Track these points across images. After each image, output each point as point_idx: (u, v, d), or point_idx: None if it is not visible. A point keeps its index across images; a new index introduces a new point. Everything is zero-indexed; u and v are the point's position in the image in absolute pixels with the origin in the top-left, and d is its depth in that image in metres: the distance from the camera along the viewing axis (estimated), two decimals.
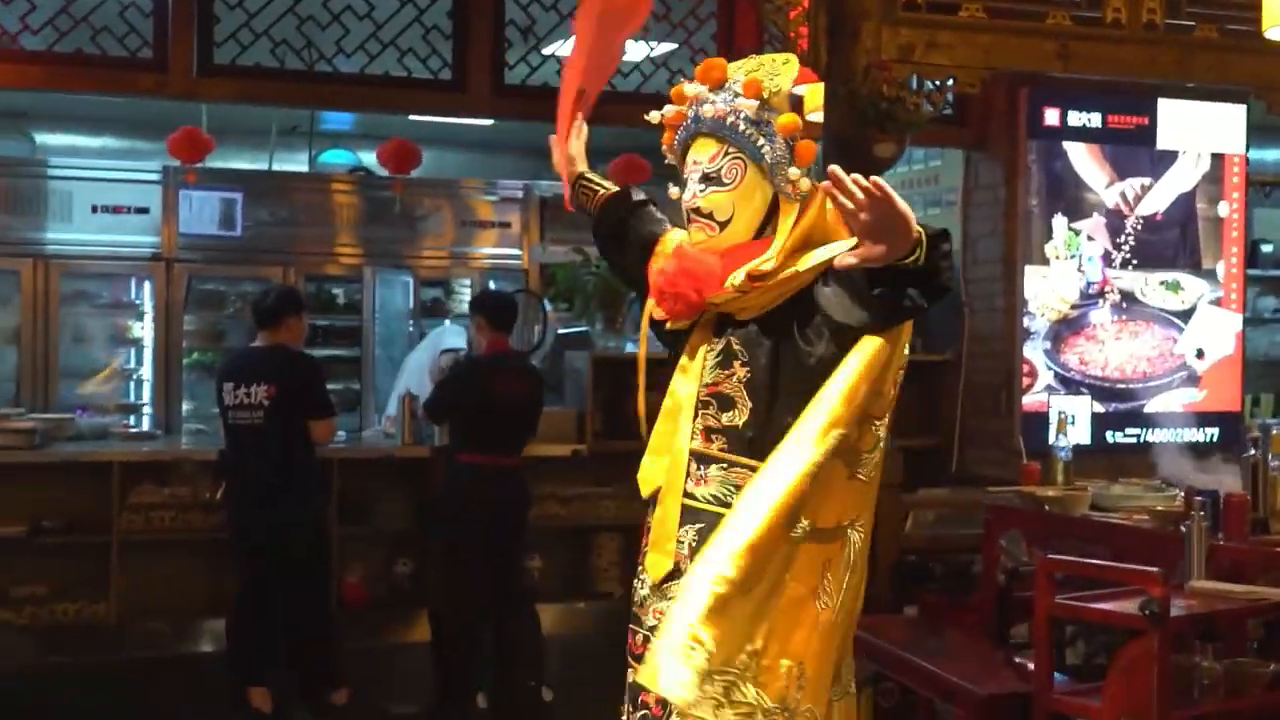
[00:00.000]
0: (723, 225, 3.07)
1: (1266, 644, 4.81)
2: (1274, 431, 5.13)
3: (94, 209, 9.43)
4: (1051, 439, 6.40)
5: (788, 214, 3.06)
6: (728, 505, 2.96)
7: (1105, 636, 6.42)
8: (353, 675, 6.85)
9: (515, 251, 10.08)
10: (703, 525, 3.01)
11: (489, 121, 10.16)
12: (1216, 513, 4.86)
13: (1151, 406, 8.13)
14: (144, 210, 9.44)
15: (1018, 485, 6.05)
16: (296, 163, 11.29)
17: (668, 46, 7.91)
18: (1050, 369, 7.94)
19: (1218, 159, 8.23)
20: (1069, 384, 7.97)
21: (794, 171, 3.04)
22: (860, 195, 2.57)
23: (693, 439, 3.07)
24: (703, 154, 3.09)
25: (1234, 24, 7.03)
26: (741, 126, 3.05)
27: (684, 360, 3.13)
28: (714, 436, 3.06)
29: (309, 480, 6.71)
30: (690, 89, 3.14)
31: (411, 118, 9.69)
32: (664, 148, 3.23)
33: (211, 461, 7.14)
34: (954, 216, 8.38)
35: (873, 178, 2.56)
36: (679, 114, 3.16)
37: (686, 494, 3.05)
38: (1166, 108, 8.07)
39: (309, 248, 9.75)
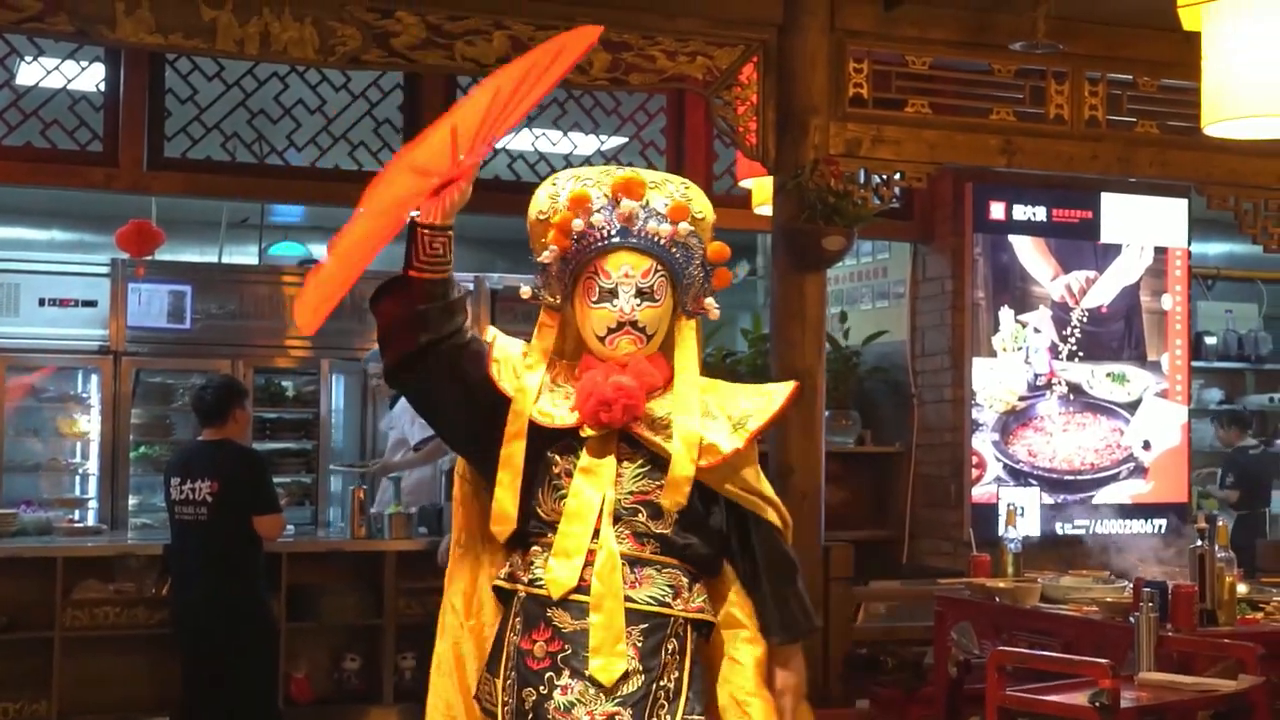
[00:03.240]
0: (649, 338, 3.17)
1: None
2: (1220, 523, 5.17)
3: (41, 302, 9.36)
4: (1001, 530, 6.43)
5: (686, 330, 3.22)
6: (668, 605, 3.10)
7: None
8: None
9: None
10: (646, 625, 3.08)
11: None
12: (1165, 604, 4.88)
13: (1099, 498, 8.18)
14: (92, 303, 9.38)
15: (968, 576, 6.06)
16: (246, 255, 11.26)
17: (618, 140, 7.99)
18: (999, 460, 7.99)
19: (1160, 252, 8.35)
20: (1018, 475, 8.01)
21: (710, 302, 3.23)
22: None
23: (620, 543, 3.10)
24: (635, 268, 3.14)
25: (1174, 120, 7.16)
26: (673, 249, 3.16)
27: (588, 462, 3.12)
28: (646, 541, 3.13)
29: (254, 575, 6.64)
30: (626, 204, 3.15)
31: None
32: (548, 246, 3.14)
33: (157, 556, 7.09)
34: (902, 308, 8.46)
35: None
36: (569, 219, 3.12)
37: (626, 598, 3.08)
38: (1110, 202, 8.20)
39: (259, 340, 9.70)
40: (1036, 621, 5.44)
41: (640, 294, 3.13)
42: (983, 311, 8.00)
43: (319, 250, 11.02)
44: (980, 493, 7.92)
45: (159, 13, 5.86)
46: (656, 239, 3.15)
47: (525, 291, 3.23)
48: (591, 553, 3.09)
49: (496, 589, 3.24)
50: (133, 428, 9.37)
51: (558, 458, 3.16)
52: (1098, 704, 3.98)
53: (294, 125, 7.39)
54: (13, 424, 9.33)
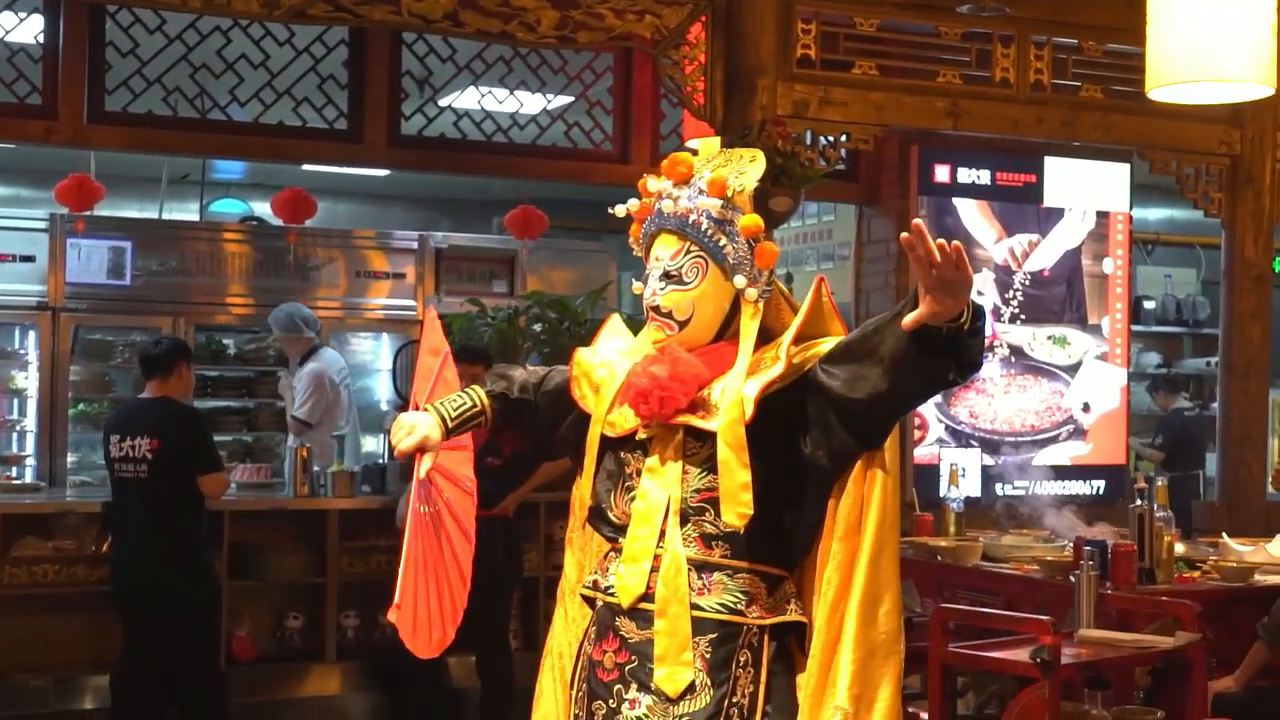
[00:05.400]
0: (681, 325, 2.98)
1: (1153, 691, 4.89)
2: (1159, 483, 5.24)
3: None
4: (943, 491, 6.48)
5: (748, 316, 2.98)
6: (740, 613, 2.92)
7: (996, 686, 6.49)
8: None
9: (410, 303, 10.01)
10: (715, 635, 2.91)
11: (382, 172, 10.15)
12: (1105, 562, 4.94)
13: (1039, 459, 8.24)
14: (30, 258, 9.25)
15: (911, 536, 6.11)
16: (187, 211, 11.16)
17: (564, 99, 7.95)
18: (941, 421, 8.04)
19: (1103, 216, 8.41)
20: (959, 437, 8.07)
21: (751, 293, 2.97)
22: (937, 255, 2.60)
23: (687, 546, 2.94)
24: (665, 250, 3.00)
25: (1119, 85, 7.22)
26: (704, 225, 2.97)
27: (654, 461, 2.99)
28: (714, 544, 2.94)
29: (195, 533, 6.62)
30: (654, 184, 3.05)
31: (304, 167, 9.64)
32: (630, 240, 3.13)
33: (97, 514, 7.02)
34: (847, 271, 8.48)
35: (954, 241, 2.62)
36: (644, 207, 3.07)
37: (693, 605, 2.91)
38: (1053, 166, 8.24)
39: (199, 297, 9.62)
40: (978, 580, 5.49)
41: (667, 277, 2.98)
42: None
43: (260, 207, 10.96)
44: (922, 454, 7.97)
45: None
46: (684, 217, 2.99)
47: (637, 288, 3.11)
48: (658, 558, 2.93)
49: (584, 596, 3.14)
50: (71, 385, 9.29)
51: (629, 457, 3.03)
52: (1039, 660, 4.03)
53: (237, 80, 7.30)
54: None
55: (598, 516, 3.08)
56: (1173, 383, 11.41)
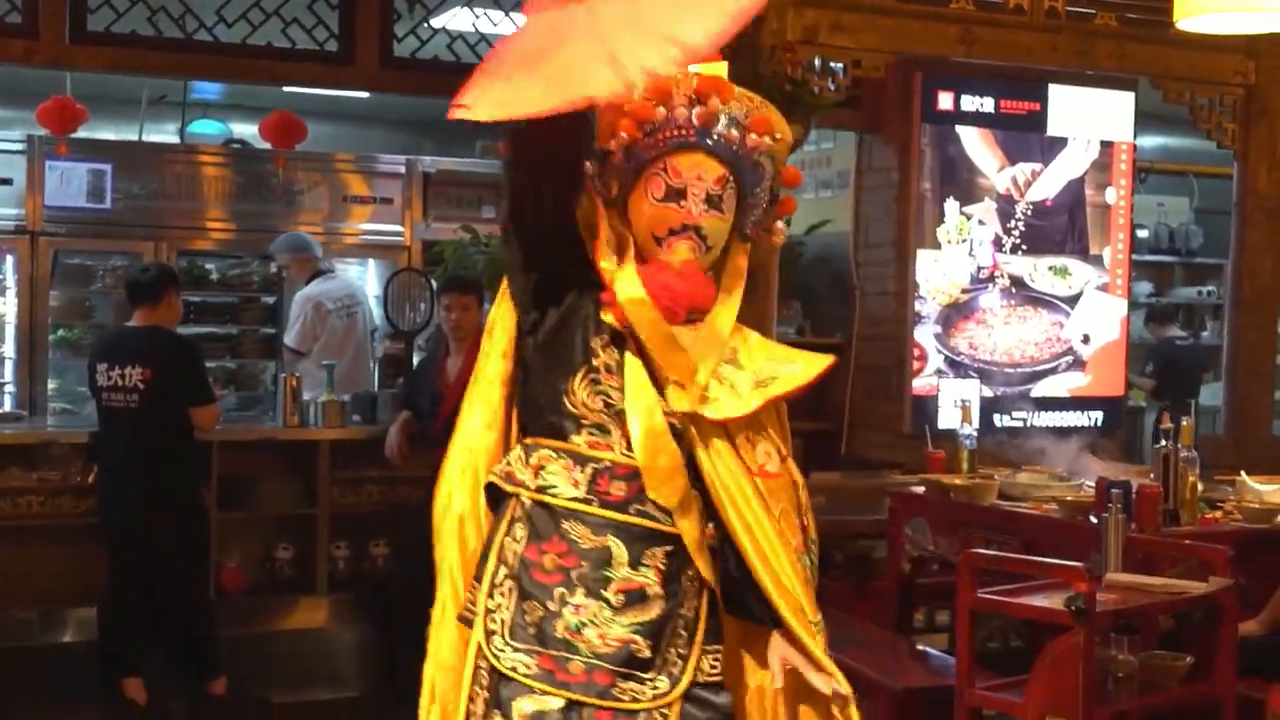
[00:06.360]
0: (708, 249, 2.90)
1: (1175, 635, 4.82)
2: (1184, 422, 5.14)
3: None
4: (955, 426, 6.38)
5: (739, 255, 2.96)
6: None
7: (997, 621, 6.44)
8: (232, 664, 6.65)
9: (397, 228, 9.80)
10: (671, 548, 2.85)
11: (366, 94, 9.92)
12: (1129, 504, 4.84)
13: (1038, 391, 8.17)
14: (7, 181, 9.02)
15: (910, 468, 6.03)
16: (166, 133, 10.92)
17: None
18: (940, 353, 7.94)
19: (1106, 146, 8.27)
20: (958, 368, 7.97)
21: (780, 224, 2.99)
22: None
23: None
24: (709, 173, 2.88)
25: (1132, 13, 7.06)
26: (747, 162, 2.90)
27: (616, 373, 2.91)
28: None
29: (185, 464, 6.53)
30: (713, 103, 2.88)
31: (286, 89, 9.42)
32: (622, 135, 2.90)
33: (82, 444, 6.87)
34: (846, 199, 8.34)
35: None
36: (648, 108, 2.88)
37: (649, 515, 2.87)
38: (1057, 94, 8.09)
39: (181, 221, 9.41)
40: (995, 519, 5.40)
41: (709, 200, 2.87)
42: (928, 203, 7.89)
43: (240, 129, 10.74)
44: (920, 385, 7.88)
45: None
46: (734, 147, 2.89)
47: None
48: (621, 465, 2.86)
49: (490, 487, 2.98)
50: (51, 310, 9.11)
51: (599, 349, 2.90)
52: (1074, 608, 3.93)
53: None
54: None
55: (551, 405, 2.90)
56: (1165, 312, 11.35)
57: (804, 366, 2.96)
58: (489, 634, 2.88)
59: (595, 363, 2.88)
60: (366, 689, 6.58)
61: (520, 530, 2.91)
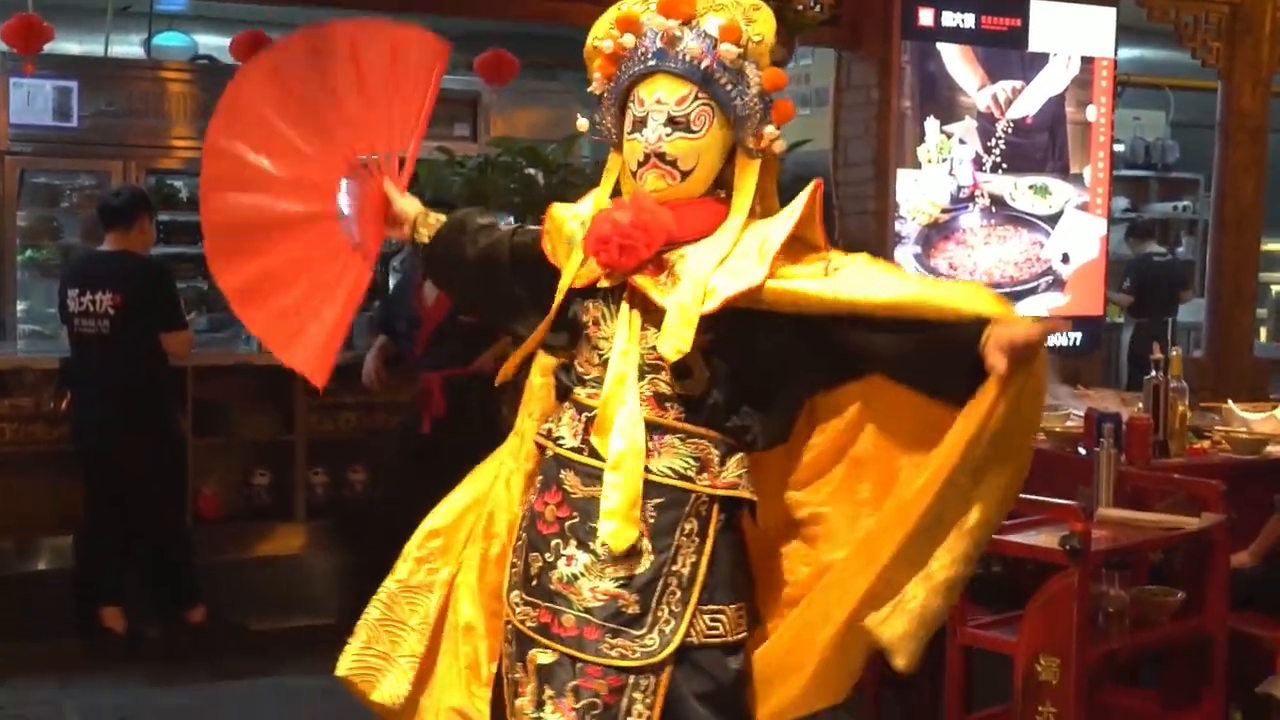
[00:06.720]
0: (684, 175, 2.83)
1: (1164, 568, 4.81)
2: (1174, 353, 5.10)
3: None
4: None
5: (747, 171, 2.88)
6: (689, 479, 2.79)
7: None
8: (209, 591, 6.63)
9: None
10: (661, 500, 2.79)
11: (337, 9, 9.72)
12: (1118, 436, 4.81)
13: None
14: None
15: None
16: (130, 44, 10.70)
17: None
18: (920, 272, 7.87)
19: (1087, 62, 8.17)
20: None
21: (770, 130, 2.87)
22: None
23: (641, 405, 2.82)
24: (669, 95, 2.82)
25: None
26: (718, 74, 2.81)
27: (612, 314, 2.88)
28: (668, 405, 2.84)
29: (159, 390, 6.46)
30: (655, 20, 2.84)
31: (250, 4, 9.22)
32: (599, 78, 2.93)
33: (54, 370, 6.81)
34: (825, 117, 8.22)
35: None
36: (620, 45, 2.88)
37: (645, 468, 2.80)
38: (1039, 9, 7.98)
39: (149, 140, 9.24)
40: None
41: (672, 123, 2.80)
42: (908, 122, 7.79)
43: (207, 41, 10.53)
44: None
45: None
46: (696, 62, 2.80)
47: (582, 125, 2.97)
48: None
49: (537, 443, 3.00)
50: (19, 230, 8.98)
51: (589, 305, 2.90)
52: (1069, 547, 3.90)
53: None
54: None
55: (565, 369, 2.99)
56: (1145, 228, 11.31)
57: (793, 206, 2.90)
58: (510, 587, 2.92)
59: (585, 318, 2.91)
60: (344, 616, 6.49)
61: (539, 482, 2.94)
